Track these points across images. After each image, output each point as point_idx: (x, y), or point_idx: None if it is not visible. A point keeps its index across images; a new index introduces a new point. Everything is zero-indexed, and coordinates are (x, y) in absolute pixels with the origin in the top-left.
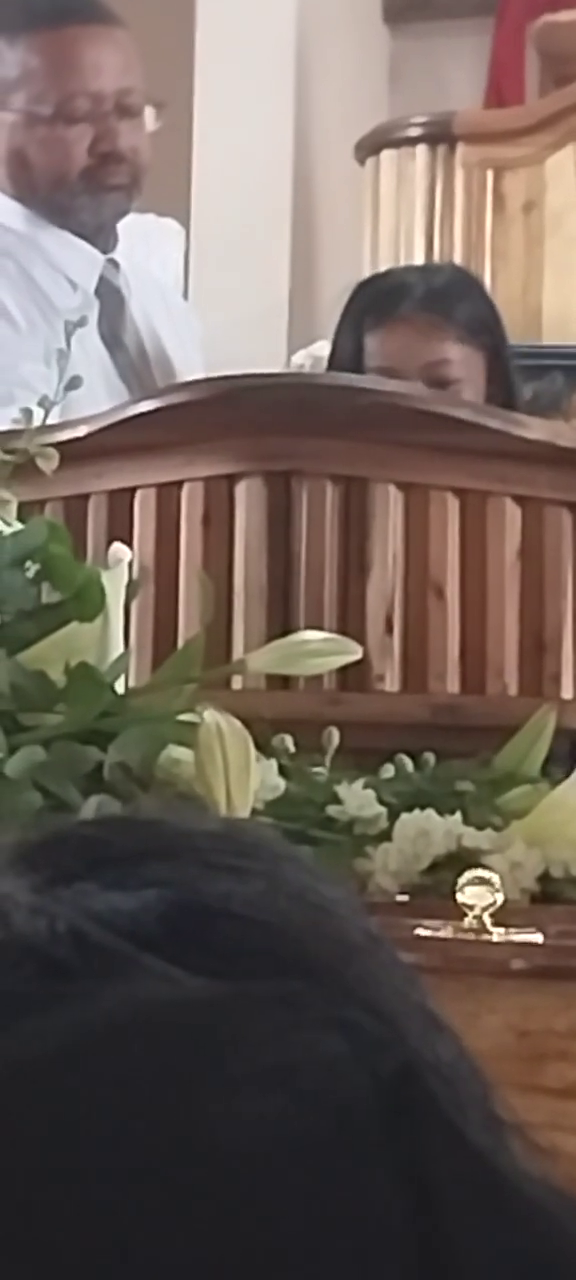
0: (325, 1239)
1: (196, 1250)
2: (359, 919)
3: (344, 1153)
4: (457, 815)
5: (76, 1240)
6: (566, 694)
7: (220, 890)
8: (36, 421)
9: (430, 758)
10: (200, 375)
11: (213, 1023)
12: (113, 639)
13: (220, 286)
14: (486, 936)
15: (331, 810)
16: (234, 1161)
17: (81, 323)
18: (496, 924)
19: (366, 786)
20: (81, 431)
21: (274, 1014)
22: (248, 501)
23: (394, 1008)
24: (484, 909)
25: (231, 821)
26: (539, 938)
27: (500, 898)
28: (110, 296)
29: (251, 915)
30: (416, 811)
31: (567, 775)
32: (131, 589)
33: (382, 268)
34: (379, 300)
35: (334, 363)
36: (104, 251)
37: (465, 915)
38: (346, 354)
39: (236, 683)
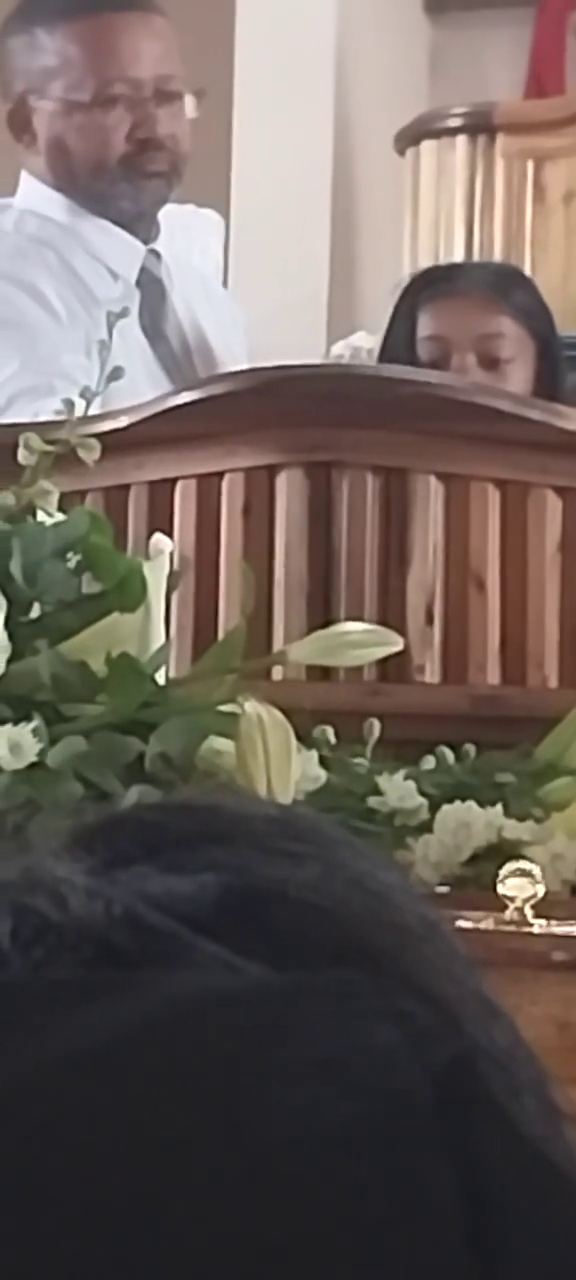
0: (377, 1229)
1: (249, 1239)
2: (416, 905)
3: (396, 1143)
4: (498, 807)
5: (129, 1229)
6: None
7: (277, 875)
8: (78, 412)
9: (471, 749)
10: (243, 365)
11: (266, 1013)
12: (154, 630)
13: (259, 277)
14: (527, 928)
15: (372, 801)
16: (285, 1152)
17: (123, 314)
18: (537, 916)
19: (407, 778)
20: (122, 422)
21: (328, 1004)
22: (288, 492)
23: (450, 995)
24: (525, 901)
25: (288, 807)
26: None
27: (541, 889)
28: (151, 287)
29: (308, 900)
30: (457, 803)
31: None
32: (173, 580)
33: (422, 258)
34: (436, 278)
35: (387, 341)
36: (145, 241)
37: (506, 907)
38: (400, 335)
39: (276, 673)
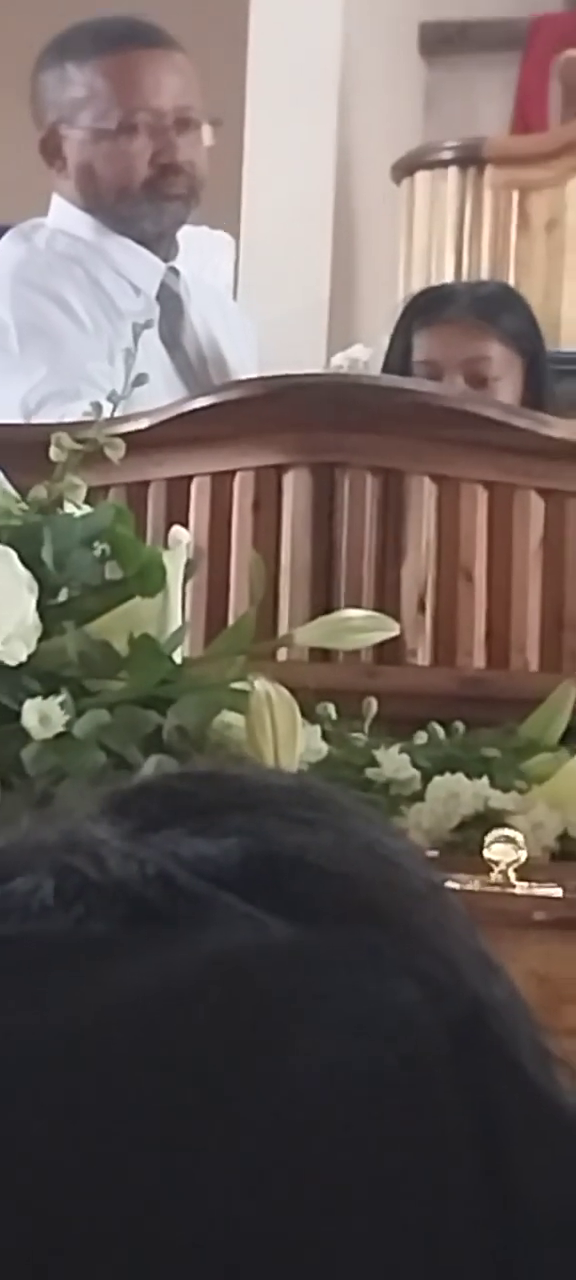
0: (401, 1170)
1: (276, 1189)
2: (421, 868)
3: (419, 1096)
4: (485, 779)
5: (162, 1181)
6: None
7: (295, 841)
8: (104, 415)
9: (459, 726)
10: (254, 374)
11: (297, 970)
12: (172, 613)
13: (266, 292)
14: (510, 890)
15: (370, 773)
16: (315, 1106)
17: (147, 325)
18: (520, 879)
19: (401, 751)
20: (143, 424)
21: (354, 963)
22: (294, 490)
23: (456, 953)
24: (508, 865)
25: (303, 777)
26: (558, 891)
27: (523, 855)
28: (170, 301)
29: (324, 865)
30: (447, 775)
31: None
32: (189, 569)
33: (416, 279)
34: (428, 305)
35: (387, 362)
36: (165, 259)
37: (491, 870)
38: (397, 354)
39: (281, 655)
